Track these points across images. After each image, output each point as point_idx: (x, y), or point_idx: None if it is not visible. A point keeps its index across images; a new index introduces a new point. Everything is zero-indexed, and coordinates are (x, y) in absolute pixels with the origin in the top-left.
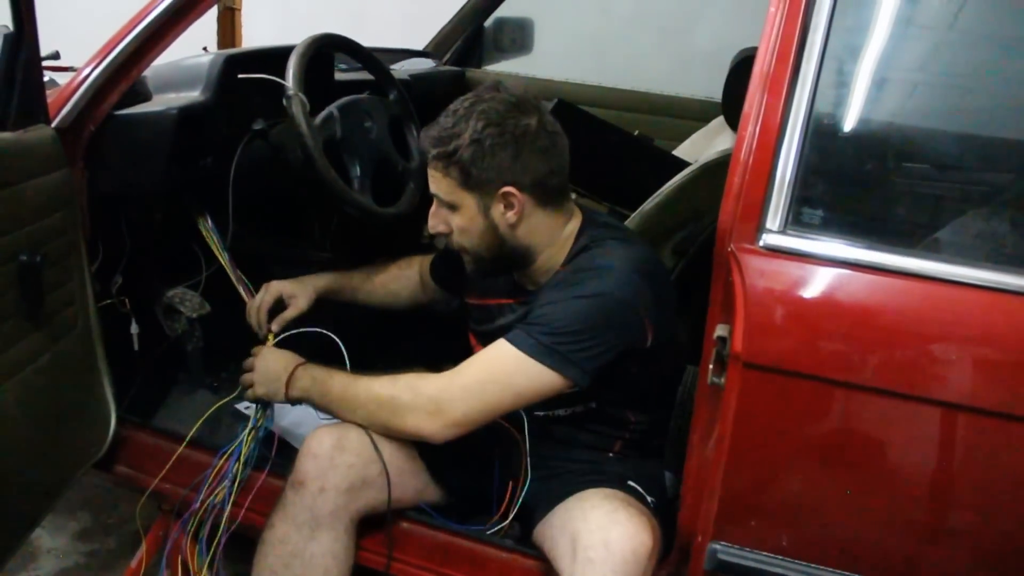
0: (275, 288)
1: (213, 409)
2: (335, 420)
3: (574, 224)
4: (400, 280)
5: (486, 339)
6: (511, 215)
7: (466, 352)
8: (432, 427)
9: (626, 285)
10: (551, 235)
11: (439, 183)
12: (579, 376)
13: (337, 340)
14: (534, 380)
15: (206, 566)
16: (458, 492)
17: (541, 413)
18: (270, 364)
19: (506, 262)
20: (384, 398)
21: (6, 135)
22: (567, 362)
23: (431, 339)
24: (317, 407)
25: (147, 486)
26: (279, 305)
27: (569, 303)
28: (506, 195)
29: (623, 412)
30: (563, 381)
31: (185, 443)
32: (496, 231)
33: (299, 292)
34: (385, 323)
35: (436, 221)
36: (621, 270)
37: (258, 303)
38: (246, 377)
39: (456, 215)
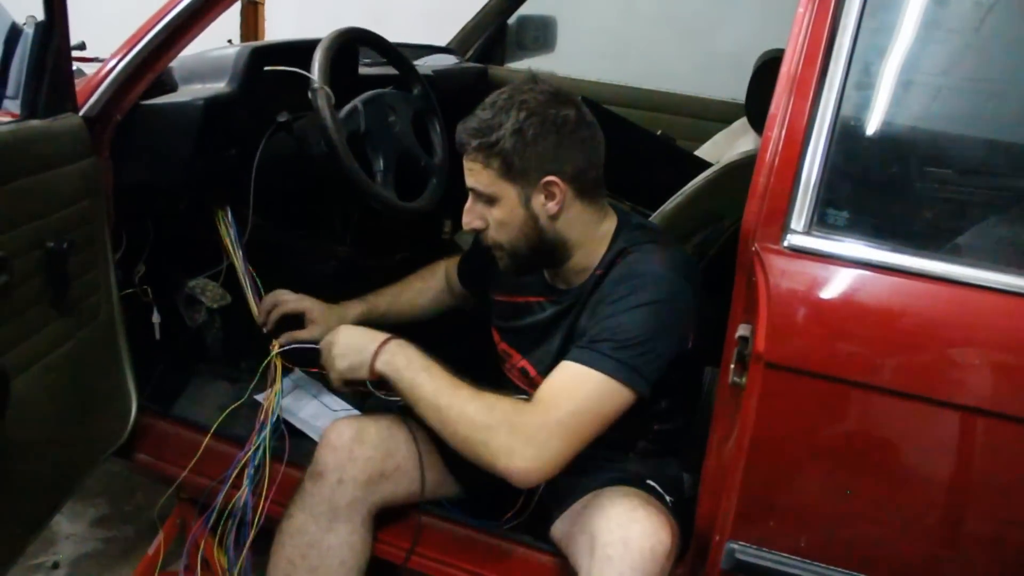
0: (305, 304)
1: (236, 404)
2: (353, 413)
3: (609, 224)
4: (427, 293)
5: (512, 336)
6: (552, 206)
7: (487, 346)
8: (528, 468)
9: (676, 291)
10: (588, 230)
11: (478, 175)
12: (645, 388)
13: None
14: (615, 399)
15: (237, 570)
16: (475, 487)
17: None
18: (354, 335)
19: (542, 257)
20: (478, 428)
21: (35, 123)
22: (637, 375)
23: (451, 334)
24: (399, 393)
25: (166, 474)
26: (294, 319)
27: (628, 314)
28: (548, 185)
29: (650, 414)
30: (634, 395)
31: (209, 435)
32: (536, 223)
33: (321, 321)
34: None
35: (471, 217)
36: (669, 276)
37: (275, 301)
38: (324, 360)
39: (495, 208)
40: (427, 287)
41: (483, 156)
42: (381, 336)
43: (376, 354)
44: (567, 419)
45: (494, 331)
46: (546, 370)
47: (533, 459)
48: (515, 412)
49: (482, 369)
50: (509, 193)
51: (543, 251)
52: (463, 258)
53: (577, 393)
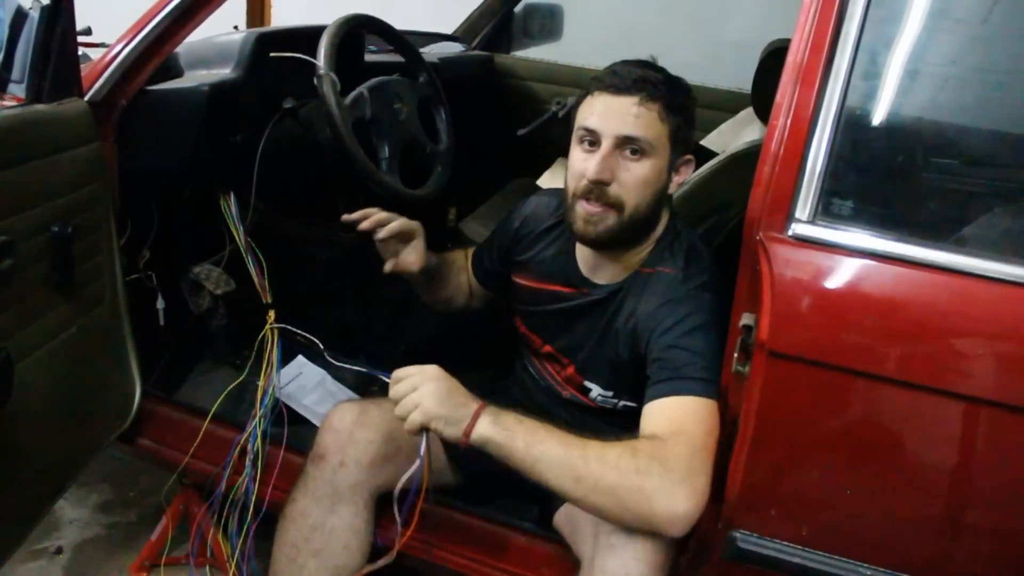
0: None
1: (233, 385)
2: (356, 398)
3: (660, 228)
4: (462, 275)
5: (534, 320)
6: (676, 182)
7: (501, 332)
8: (688, 509)
9: (723, 310)
10: (658, 224)
11: (649, 124)
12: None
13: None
14: (716, 416)
15: (237, 554)
16: (477, 476)
17: (581, 400)
18: (448, 390)
19: (639, 232)
20: (628, 475)
21: (41, 107)
22: (716, 388)
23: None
24: (504, 458)
25: (170, 460)
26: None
27: (696, 333)
28: (687, 162)
29: None
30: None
31: (208, 419)
32: (663, 194)
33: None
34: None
35: (603, 167)
36: (716, 286)
37: (384, 218)
38: (407, 400)
39: (642, 163)
40: (463, 271)
41: (664, 108)
42: (472, 399)
43: (475, 420)
44: (702, 449)
45: (516, 316)
46: (573, 355)
47: (689, 497)
48: (659, 449)
49: (495, 354)
50: (665, 154)
51: (647, 224)
52: (479, 256)
53: (698, 422)
